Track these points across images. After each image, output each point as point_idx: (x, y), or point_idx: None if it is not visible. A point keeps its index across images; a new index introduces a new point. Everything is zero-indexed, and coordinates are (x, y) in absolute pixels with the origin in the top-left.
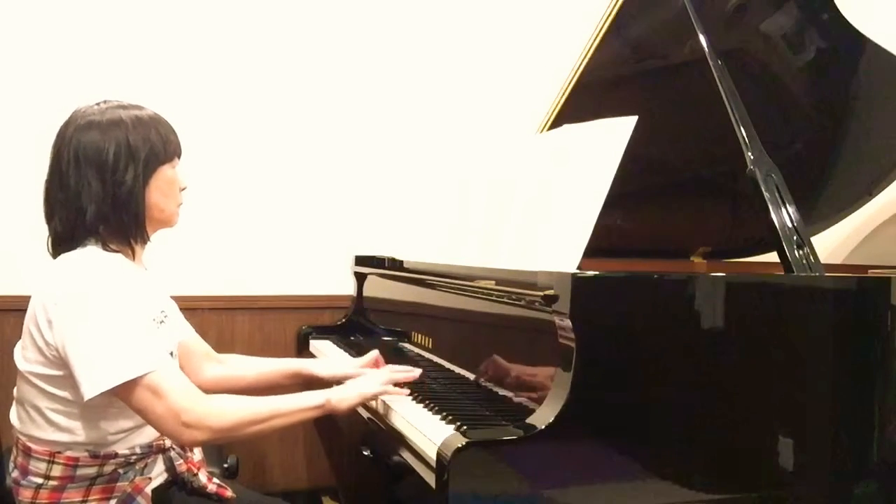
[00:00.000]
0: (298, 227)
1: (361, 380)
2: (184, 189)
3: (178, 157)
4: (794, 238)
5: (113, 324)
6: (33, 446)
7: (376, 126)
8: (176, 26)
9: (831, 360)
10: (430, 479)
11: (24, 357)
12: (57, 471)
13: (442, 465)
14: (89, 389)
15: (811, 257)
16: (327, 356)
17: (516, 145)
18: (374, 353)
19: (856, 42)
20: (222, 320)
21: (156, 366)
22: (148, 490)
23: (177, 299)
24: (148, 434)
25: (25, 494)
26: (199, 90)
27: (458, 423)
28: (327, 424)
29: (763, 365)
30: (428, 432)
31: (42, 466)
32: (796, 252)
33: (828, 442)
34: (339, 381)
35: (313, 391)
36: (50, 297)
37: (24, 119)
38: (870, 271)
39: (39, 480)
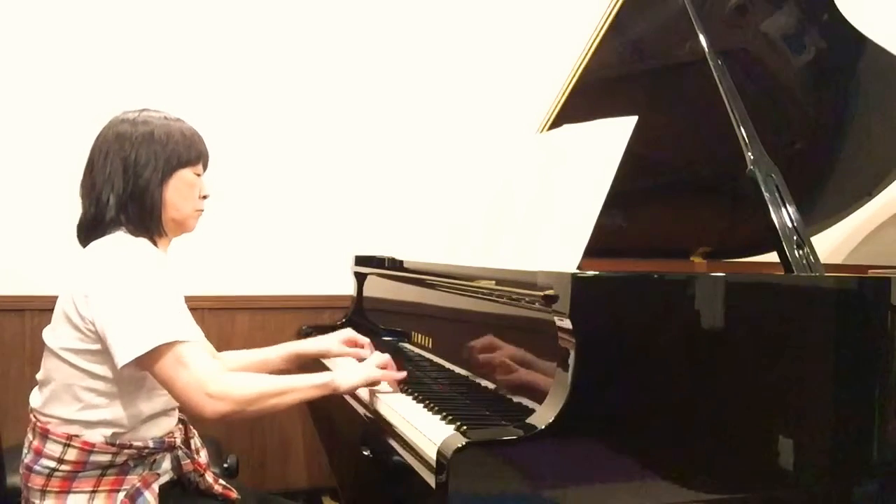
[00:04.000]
0: (299, 226)
1: (364, 365)
2: (205, 197)
3: (204, 167)
4: (794, 238)
5: (146, 294)
6: (52, 428)
7: (376, 126)
8: (177, 29)
9: (831, 361)
10: (430, 479)
11: (56, 335)
12: (71, 455)
13: (441, 465)
14: (123, 356)
15: (811, 257)
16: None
17: (516, 145)
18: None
19: (856, 42)
20: (222, 320)
21: (186, 336)
22: (156, 486)
23: None
24: (163, 426)
25: (37, 482)
26: (200, 91)
27: (458, 423)
28: (327, 424)
29: (763, 365)
30: (428, 432)
31: (57, 449)
32: (796, 252)
33: (828, 442)
34: (324, 355)
35: (320, 373)
36: (86, 277)
37: (23, 125)
38: (870, 271)
39: (52, 464)
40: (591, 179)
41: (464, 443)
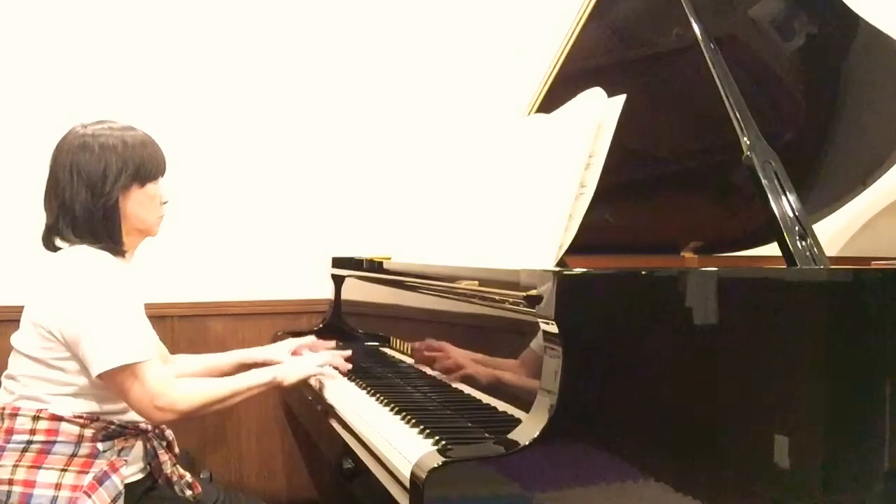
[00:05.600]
0: (273, 228)
1: (304, 360)
2: (165, 203)
3: (162, 175)
4: (797, 228)
5: (108, 316)
6: (21, 405)
7: (350, 126)
8: (143, 29)
9: (837, 359)
10: (404, 500)
11: (23, 341)
12: (43, 425)
13: (416, 487)
14: (97, 367)
15: (814, 248)
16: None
17: (491, 138)
18: (311, 338)
19: (849, 22)
20: (194, 328)
21: (144, 357)
22: (124, 471)
23: (145, 306)
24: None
25: (11, 458)
26: (172, 94)
27: (437, 438)
28: (306, 439)
29: (765, 366)
30: (404, 449)
31: (27, 422)
32: (799, 243)
33: (834, 446)
34: (271, 364)
35: (263, 369)
36: (51, 296)
37: (15, 133)
38: (873, 263)
39: (25, 437)
40: (561, 161)
41: (440, 462)
